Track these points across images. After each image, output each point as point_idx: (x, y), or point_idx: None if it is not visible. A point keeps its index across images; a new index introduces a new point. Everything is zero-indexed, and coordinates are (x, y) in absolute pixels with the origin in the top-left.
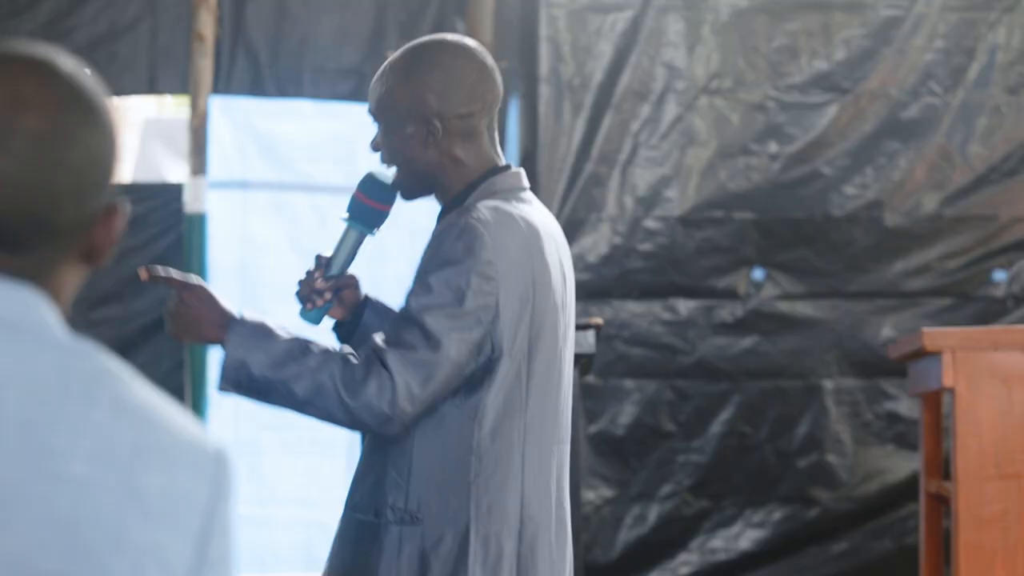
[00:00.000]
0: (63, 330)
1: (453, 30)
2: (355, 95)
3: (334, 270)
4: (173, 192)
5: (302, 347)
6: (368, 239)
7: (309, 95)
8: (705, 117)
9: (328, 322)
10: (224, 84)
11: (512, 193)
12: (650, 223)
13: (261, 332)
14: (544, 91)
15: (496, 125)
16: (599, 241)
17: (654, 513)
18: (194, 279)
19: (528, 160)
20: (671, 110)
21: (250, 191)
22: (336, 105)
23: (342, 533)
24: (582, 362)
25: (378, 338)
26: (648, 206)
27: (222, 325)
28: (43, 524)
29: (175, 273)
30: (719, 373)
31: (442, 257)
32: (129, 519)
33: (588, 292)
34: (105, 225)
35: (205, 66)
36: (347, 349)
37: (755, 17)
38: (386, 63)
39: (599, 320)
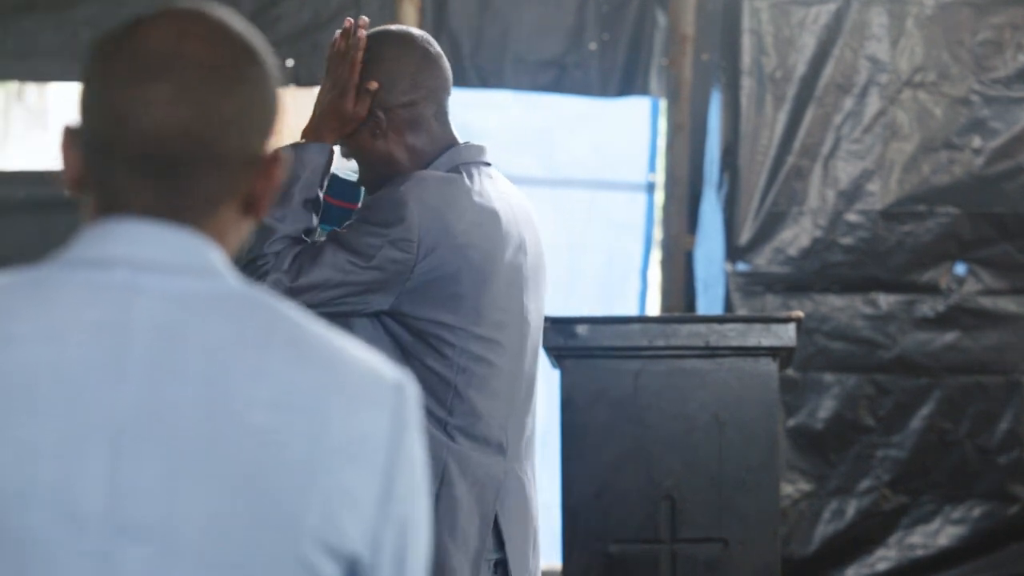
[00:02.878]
0: (233, 275)
1: (655, 23)
2: (556, 86)
3: None
4: None
5: (299, 217)
6: None
7: (510, 86)
8: (908, 111)
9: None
10: None
11: (471, 166)
12: (852, 216)
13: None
14: (746, 83)
15: (447, 110)
16: (800, 234)
17: (852, 508)
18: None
19: (729, 152)
20: (874, 103)
21: None
22: (537, 96)
23: None
24: (782, 355)
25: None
26: (850, 199)
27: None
28: (231, 477)
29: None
30: (919, 368)
31: (370, 217)
32: (315, 464)
33: (788, 286)
34: (267, 172)
35: None
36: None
37: (960, 10)
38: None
39: (799, 314)
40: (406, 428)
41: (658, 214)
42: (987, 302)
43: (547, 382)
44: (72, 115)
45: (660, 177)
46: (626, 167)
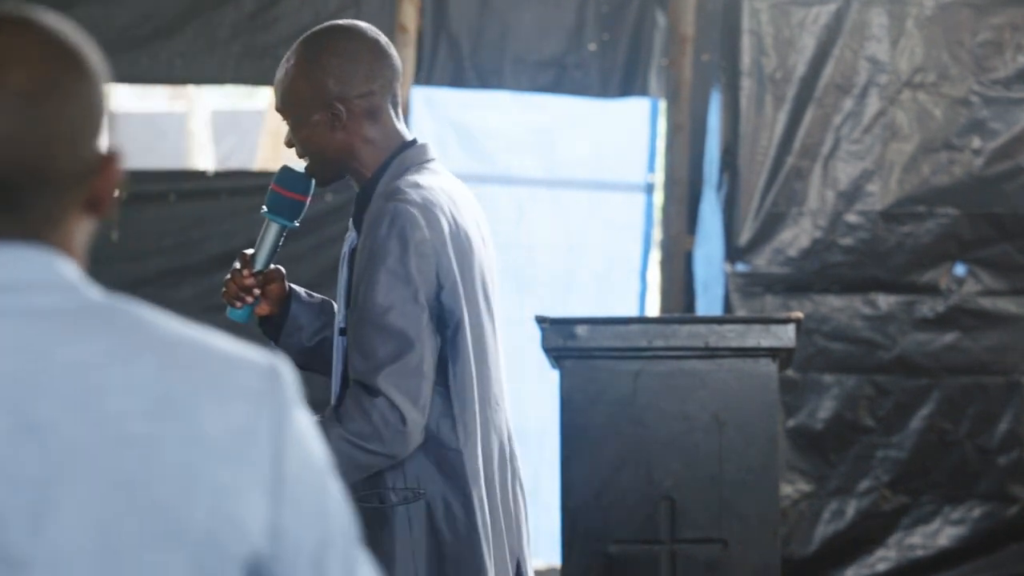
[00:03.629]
0: (87, 285)
1: (654, 24)
2: (556, 87)
3: (258, 265)
4: None
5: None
6: (288, 231)
7: (510, 86)
8: (908, 111)
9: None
10: (426, 75)
11: (423, 165)
12: (851, 217)
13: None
14: (746, 84)
15: (399, 101)
16: (800, 235)
17: (852, 508)
18: None
19: (729, 153)
20: (873, 104)
21: None
22: (537, 97)
23: None
24: (781, 356)
25: (357, 364)
26: (849, 200)
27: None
28: (114, 492)
29: None
30: (919, 369)
31: (381, 249)
32: (195, 465)
33: (788, 286)
34: (105, 173)
35: (407, 57)
36: (332, 403)
37: (959, 11)
38: (283, 64)
39: (799, 314)
40: (287, 411)
41: (658, 214)
42: (987, 303)
43: (547, 383)
44: None
45: (660, 177)
46: (626, 167)
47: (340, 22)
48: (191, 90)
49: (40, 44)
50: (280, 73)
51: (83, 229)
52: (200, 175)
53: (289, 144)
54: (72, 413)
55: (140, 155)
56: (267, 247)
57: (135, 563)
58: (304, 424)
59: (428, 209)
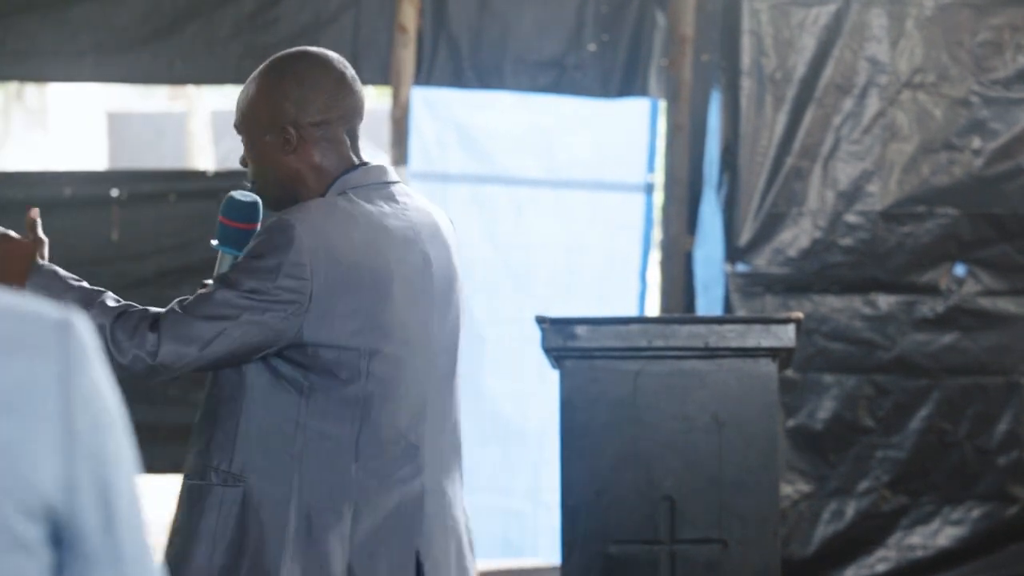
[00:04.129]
0: None
1: (654, 23)
2: (556, 87)
3: None
4: None
5: (88, 297)
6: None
7: (510, 87)
8: (908, 112)
9: None
10: (425, 75)
11: (368, 189)
12: (851, 217)
13: (55, 278)
14: (746, 84)
15: (358, 134)
16: (800, 235)
17: (852, 509)
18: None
19: (729, 153)
20: (873, 104)
21: (450, 183)
22: (537, 97)
23: (178, 499)
24: (781, 356)
25: (176, 302)
26: (849, 200)
27: (23, 271)
28: None
29: None
30: (919, 369)
31: (257, 250)
32: None
33: (788, 286)
34: None
35: (407, 57)
36: (133, 306)
37: (959, 11)
38: (247, 83)
39: (799, 314)
40: (79, 364)
41: (657, 215)
42: (986, 303)
43: (547, 382)
44: (72, 117)
45: (660, 178)
46: (625, 168)
47: (312, 49)
48: (191, 90)
49: None
50: (242, 92)
51: None
52: (200, 175)
53: (244, 163)
54: None
55: (140, 155)
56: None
57: None
58: (99, 377)
59: (319, 229)
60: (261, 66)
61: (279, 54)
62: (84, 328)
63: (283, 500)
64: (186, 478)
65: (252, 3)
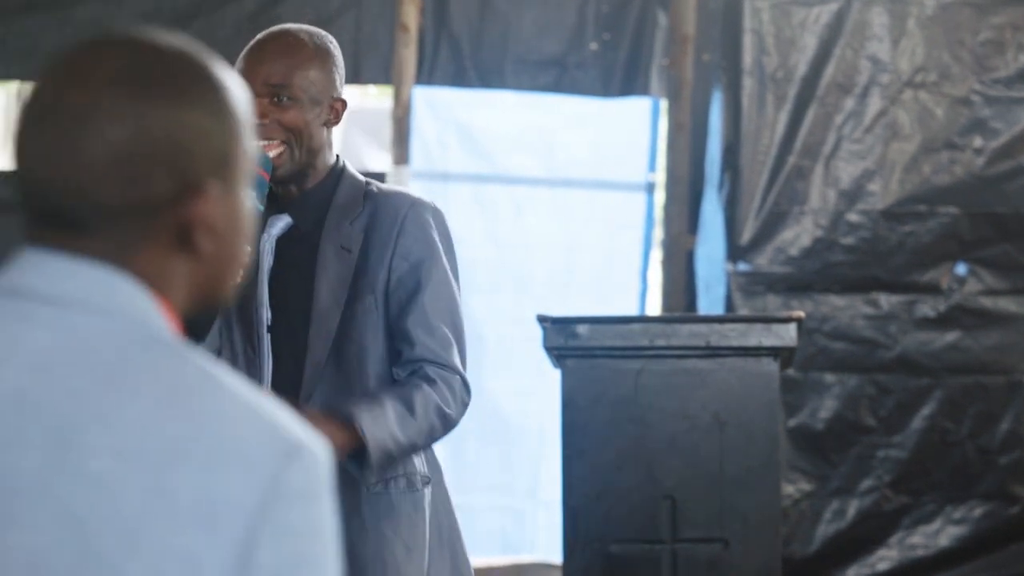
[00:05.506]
0: (148, 315)
1: (656, 23)
2: (557, 87)
3: None
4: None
5: (404, 404)
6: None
7: (511, 86)
8: (909, 111)
9: None
10: (427, 75)
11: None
12: (853, 216)
13: (376, 412)
14: (747, 83)
15: None
16: (801, 234)
17: (853, 508)
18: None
19: (730, 152)
20: (875, 103)
21: (451, 183)
22: (537, 96)
23: (363, 509)
24: (783, 355)
25: (433, 347)
26: (851, 199)
27: (346, 428)
28: (57, 522)
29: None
30: (920, 368)
31: (446, 242)
32: (149, 520)
33: (789, 285)
34: (183, 207)
35: (408, 56)
36: (418, 373)
37: (960, 10)
38: (281, 42)
39: (800, 313)
40: (288, 497)
41: (659, 214)
42: (988, 302)
43: (547, 382)
44: None
45: (661, 177)
46: (626, 167)
47: (308, 27)
48: None
49: (116, 65)
50: (290, 51)
51: (178, 264)
52: None
53: (264, 116)
54: (44, 435)
55: None
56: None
57: None
58: (309, 516)
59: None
60: (302, 33)
61: (314, 29)
62: (318, 462)
63: (440, 482)
64: (386, 482)
65: (253, 3)
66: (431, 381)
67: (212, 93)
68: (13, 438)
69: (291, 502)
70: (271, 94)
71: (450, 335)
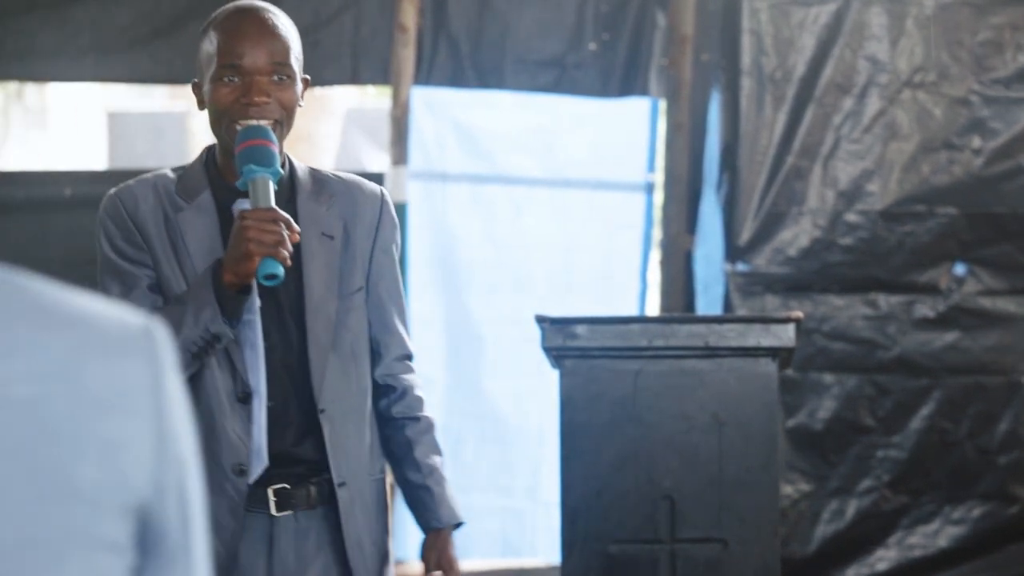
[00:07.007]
0: None
1: (655, 23)
2: (556, 87)
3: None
4: (374, 181)
5: (437, 451)
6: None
7: (510, 86)
8: (908, 111)
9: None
10: (425, 75)
11: None
12: (851, 217)
13: (447, 490)
14: (746, 84)
15: None
16: (800, 234)
17: (852, 508)
18: None
19: (729, 153)
20: (873, 103)
21: (450, 183)
22: (537, 97)
23: (368, 498)
24: (781, 356)
25: (406, 343)
26: (849, 200)
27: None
28: (3, 456)
29: None
30: (919, 368)
31: (396, 241)
32: (80, 422)
33: (788, 285)
34: None
35: (407, 56)
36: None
37: (959, 10)
38: (274, 20)
39: (799, 314)
40: (164, 370)
41: (658, 214)
42: (987, 302)
43: (546, 382)
44: (72, 117)
45: (660, 177)
46: (625, 167)
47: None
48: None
49: None
50: (285, 30)
51: None
52: None
53: (268, 96)
54: None
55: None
56: (268, 202)
57: (27, 523)
58: (178, 385)
59: None
60: (276, 12)
61: (263, 3)
62: (163, 335)
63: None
64: (377, 474)
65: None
66: (415, 391)
67: None
68: None
69: (170, 374)
70: (274, 72)
71: (405, 323)
